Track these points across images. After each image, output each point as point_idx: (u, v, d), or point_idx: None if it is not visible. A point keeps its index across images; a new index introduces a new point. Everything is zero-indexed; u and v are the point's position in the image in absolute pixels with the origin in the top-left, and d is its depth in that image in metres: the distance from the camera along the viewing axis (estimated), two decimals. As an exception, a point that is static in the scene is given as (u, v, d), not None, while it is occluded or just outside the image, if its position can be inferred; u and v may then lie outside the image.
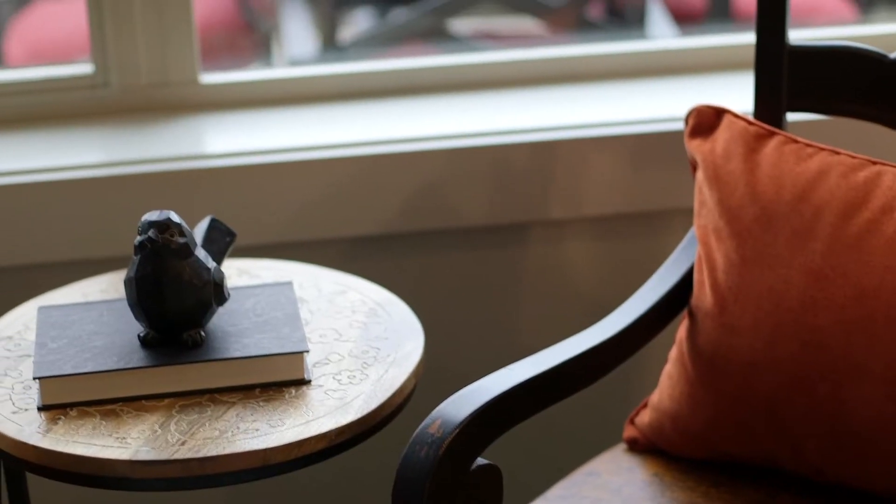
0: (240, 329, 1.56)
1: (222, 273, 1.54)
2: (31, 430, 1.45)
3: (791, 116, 1.71)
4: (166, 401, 1.49)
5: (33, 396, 1.51)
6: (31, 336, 1.62)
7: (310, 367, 1.54)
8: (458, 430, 1.40)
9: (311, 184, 1.96)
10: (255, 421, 1.45)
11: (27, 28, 3.54)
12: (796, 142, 1.60)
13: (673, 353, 1.66)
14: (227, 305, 1.59)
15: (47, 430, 1.45)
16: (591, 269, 2.08)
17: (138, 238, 1.48)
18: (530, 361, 1.54)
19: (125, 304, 1.57)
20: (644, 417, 1.69)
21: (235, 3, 3.47)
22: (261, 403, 1.49)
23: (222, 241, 1.62)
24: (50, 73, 2.09)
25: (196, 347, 1.52)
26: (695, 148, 1.65)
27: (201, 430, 1.44)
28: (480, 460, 1.43)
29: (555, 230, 2.05)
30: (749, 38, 2.07)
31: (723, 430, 1.60)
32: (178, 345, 1.52)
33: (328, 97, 2.11)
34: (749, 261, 1.56)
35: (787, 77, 1.67)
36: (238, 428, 1.44)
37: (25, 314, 1.68)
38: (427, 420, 1.42)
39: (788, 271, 1.53)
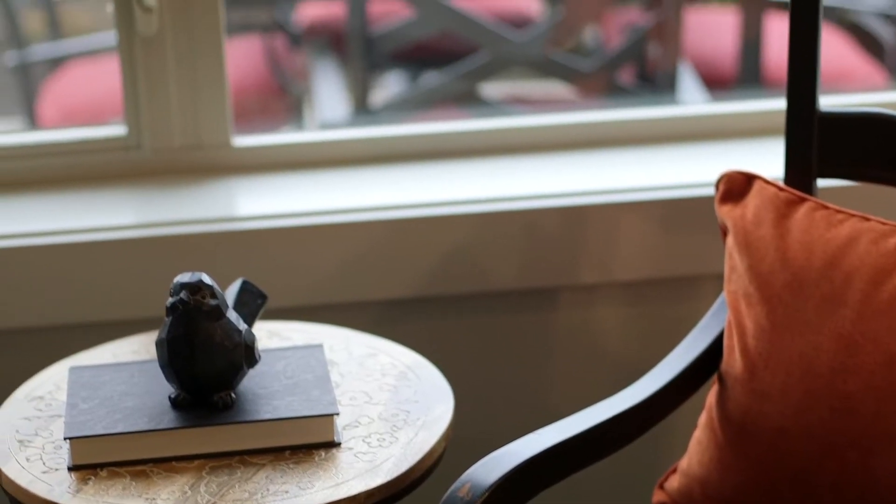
0: (270, 391, 1.56)
1: (253, 335, 1.54)
2: (61, 489, 1.45)
3: (821, 182, 1.71)
4: (196, 462, 1.50)
5: (64, 456, 1.51)
6: (63, 396, 1.63)
7: (340, 429, 1.55)
8: (487, 494, 1.40)
9: (342, 247, 1.97)
10: (284, 483, 1.45)
11: (61, 89, 3.57)
12: (826, 208, 1.60)
13: (702, 418, 1.66)
14: (257, 367, 1.60)
15: (77, 490, 1.45)
16: (621, 334, 2.08)
17: (170, 300, 1.49)
18: (560, 426, 1.54)
19: (156, 365, 1.58)
20: (673, 482, 1.68)
21: (268, 66, 3.50)
22: (291, 466, 1.49)
23: (254, 304, 1.63)
24: (83, 135, 2.11)
25: (226, 409, 1.52)
26: (725, 213, 1.66)
27: (231, 491, 1.44)
28: (510, 524, 1.42)
29: (585, 295, 2.05)
30: (780, 103, 2.08)
31: (752, 496, 1.59)
32: (208, 406, 1.52)
33: (360, 160, 2.12)
34: (779, 326, 1.56)
35: (818, 143, 1.67)
36: (268, 490, 1.44)
37: (57, 374, 1.69)
38: (457, 483, 1.41)
39: (818, 337, 1.53)
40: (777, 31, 3.30)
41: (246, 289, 1.63)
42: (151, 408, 1.53)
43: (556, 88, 3.17)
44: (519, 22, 3.87)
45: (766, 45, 3.14)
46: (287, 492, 1.44)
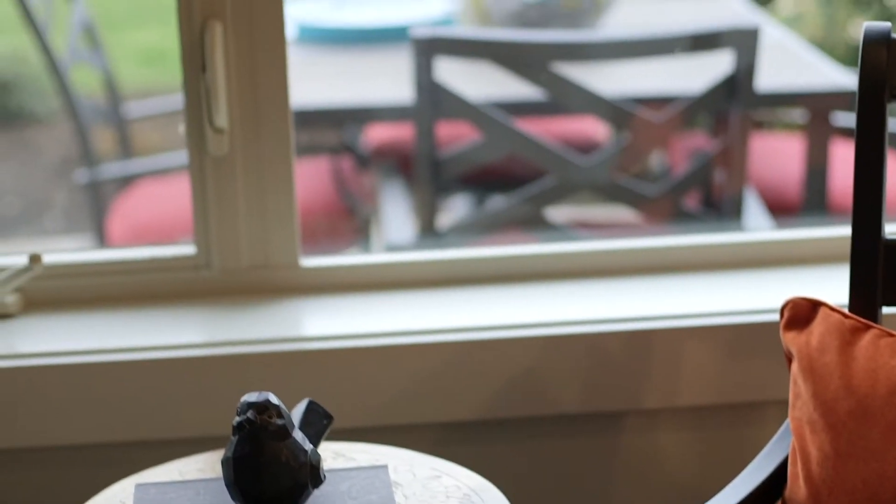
0: (334, 511, 1.57)
1: (319, 455, 1.55)
2: None
3: (886, 310, 1.71)
4: (259, 581, 1.50)
5: (128, 573, 1.52)
6: (129, 513, 1.64)
7: (402, 551, 1.55)
8: None
9: (408, 368, 1.98)
10: None
11: (130, 207, 3.62)
12: (892, 335, 1.60)
13: (767, 546, 1.65)
14: (322, 488, 1.60)
15: None
16: (685, 460, 2.07)
17: (237, 419, 1.50)
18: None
19: (222, 483, 1.59)
20: None
21: (336, 187, 3.54)
22: (353, 586, 1.49)
23: (319, 424, 1.64)
24: (153, 254, 2.14)
25: (291, 528, 1.53)
26: (790, 340, 1.66)
27: None
28: None
29: (649, 419, 2.05)
30: (845, 230, 2.08)
31: None
32: (272, 525, 1.53)
33: (425, 283, 2.14)
34: (843, 454, 1.55)
35: (883, 271, 1.67)
36: None
37: (123, 491, 1.70)
38: None
39: (883, 465, 1.52)
40: (842, 157, 3.31)
41: (312, 409, 1.64)
42: (216, 526, 1.54)
43: (621, 213, 3.19)
44: (585, 146, 3.91)
45: (831, 172, 3.15)
46: None
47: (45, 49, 3.46)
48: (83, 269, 2.12)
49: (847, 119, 3.25)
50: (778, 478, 1.65)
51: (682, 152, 3.67)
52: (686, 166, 2.96)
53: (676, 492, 2.06)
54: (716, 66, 2.85)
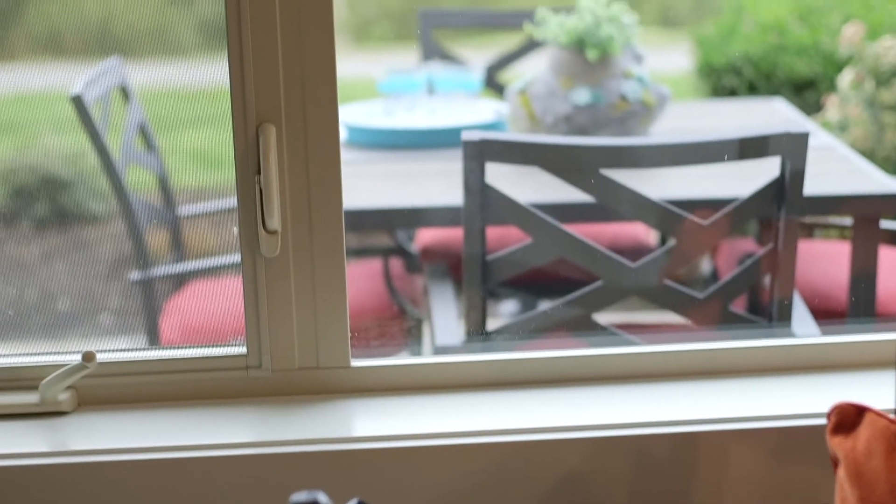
0: None
1: (366, 554, 1.56)
2: None
3: (934, 416, 1.71)
4: None
5: None
6: None
7: None
8: None
9: (457, 469, 1.99)
10: None
11: (182, 307, 3.65)
12: (939, 441, 1.60)
13: None
14: (368, 587, 1.61)
15: None
16: (732, 564, 2.06)
17: (286, 517, 1.52)
18: None
19: (270, 581, 1.60)
20: None
21: (386, 289, 3.57)
22: None
23: (367, 523, 1.65)
24: (205, 353, 2.17)
25: None
26: (836, 445, 1.66)
27: None
28: None
29: (695, 523, 2.05)
30: (892, 335, 2.09)
31: None
32: None
33: (474, 385, 2.16)
34: (891, 560, 1.55)
35: (929, 377, 1.68)
36: None
37: (172, 589, 1.71)
38: None
39: (931, 572, 1.52)
40: (889, 262, 3.32)
41: (360, 508, 1.65)
42: None
43: (669, 316, 3.20)
44: (634, 250, 3.92)
45: (878, 277, 3.15)
46: None
47: (101, 149, 3.52)
48: (136, 367, 2.15)
49: (895, 225, 3.26)
50: (825, 583, 1.65)
51: (730, 256, 3.69)
52: (734, 270, 2.97)
53: None
54: (765, 171, 2.87)
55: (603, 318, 2.98)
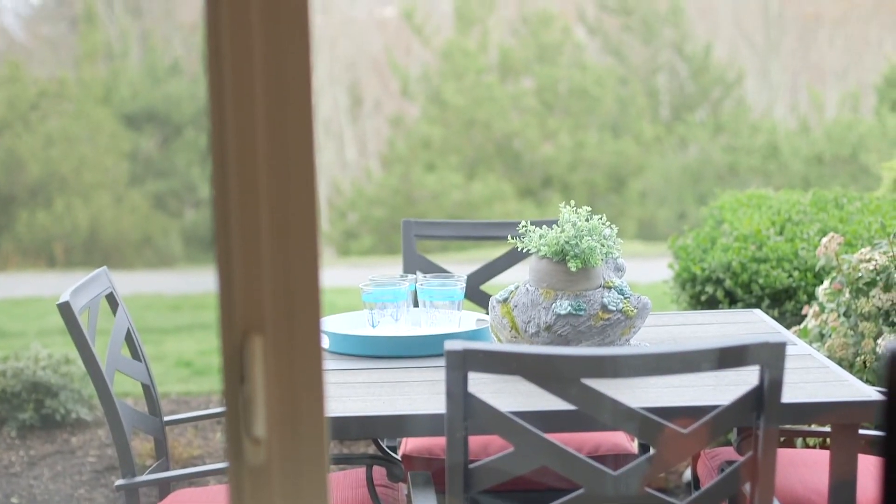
0: None
1: None
2: None
3: None
4: None
5: None
6: None
7: None
8: None
9: None
10: None
11: (167, 516, 3.65)
12: None
13: None
14: None
15: None
16: None
17: None
18: None
19: None
20: None
21: (371, 499, 3.57)
22: None
23: None
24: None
25: None
26: None
27: None
28: None
29: None
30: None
31: None
32: None
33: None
34: None
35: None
36: None
37: None
38: None
39: None
40: (869, 469, 3.34)
41: None
42: None
43: (651, 524, 3.21)
44: (615, 458, 3.95)
45: (858, 484, 3.18)
46: None
47: (88, 357, 3.56)
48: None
49: (873, 432, 3.29)
50: None
51: (711, 464, 3.71)
52: (714, 478, 3.00)
53: None
54: (744, 380, 2.91)
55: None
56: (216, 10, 1.97)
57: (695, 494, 2.93)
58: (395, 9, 17.74)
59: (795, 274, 5.42)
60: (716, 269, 5.51)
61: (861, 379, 4.21)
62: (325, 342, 3.76)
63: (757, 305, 5.41)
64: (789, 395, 3.03)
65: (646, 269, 10.00)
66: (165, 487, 3.86)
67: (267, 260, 2.10)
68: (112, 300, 3.93)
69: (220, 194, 2.11)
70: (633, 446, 4.08)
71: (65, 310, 3.52)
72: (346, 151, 17.49)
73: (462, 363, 2.80)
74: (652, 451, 2.85)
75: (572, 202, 3.78)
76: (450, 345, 2.79)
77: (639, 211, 16.04)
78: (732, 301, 5.49)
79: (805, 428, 3.95)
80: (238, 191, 2.09)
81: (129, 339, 3.92)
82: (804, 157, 15.45)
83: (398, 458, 3.81)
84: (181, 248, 14.77)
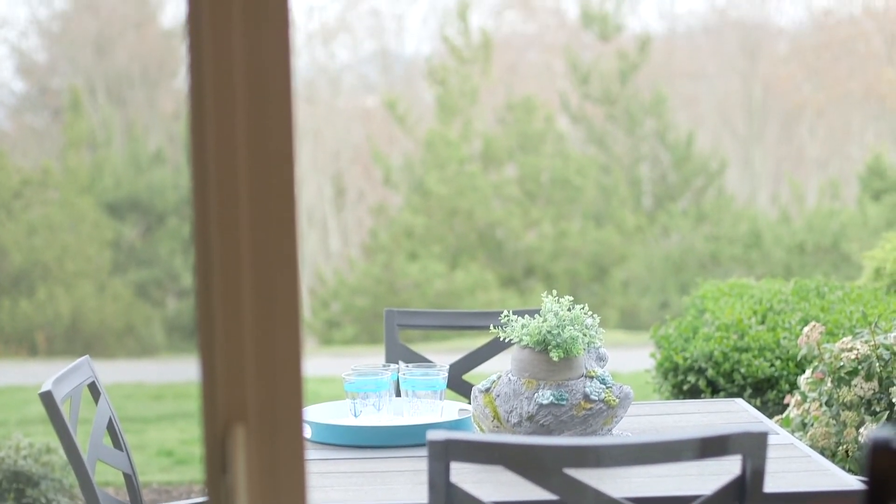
0: None
1: None
2: None
3: None
4: None
5: None
6: None
7: None
8: None
9: None
10: None
11: None
12: None
13: None
14: None
15: None
16: None
17: None
18: None
19: None
20: None
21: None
22: None
23: None
24: None
25: None
26: None
27: None
28: None
29: None
30: None
31: None
32: None
33: None
34: None
35: None
36: None
37: None
38: None
39: None
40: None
41: None
42: None
43: None
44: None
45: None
46: None
47: (70, 446, 3.55)
48: None
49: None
50: None
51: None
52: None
53: None
54: (726, 469, 2.91)
55: None
56: (200, 100, 1.99)
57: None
58: (378, 98, 17.87)
59: (777, 363, 5.43)
60: (698, 359, 5.52)
61: (844, 468, 4.21)
62: (308, 432, 3.75)
63: (739, 394, 5.42)
64: (772, 484, 3.03)
65: (628, 359, 10.01)
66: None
67: (250, 349, 2.10)
68: (94, 389, 3.92)
69: (203, 284, 2.12)
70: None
71: (47, 399, 3.51)
72: (330, 241, 17.54)
73: (444, 453, 2.79)
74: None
75: (554, 291, 3.79)
76: (432, 435, 2.79)
77: (621, 300, 16.08)
78: (715, 390, 5.50)
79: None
80: (221, 280, 2.10)
81: (111, 428, 3.91)
82: (786, 246, 15.54)
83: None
84: (163, 337, 14.75)
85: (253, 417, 2.11)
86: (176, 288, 15.06)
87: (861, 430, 4.29)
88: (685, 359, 5.56)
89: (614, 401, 3.63)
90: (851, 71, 17.54)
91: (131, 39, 17.20)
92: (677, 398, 5.59)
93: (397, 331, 4.66)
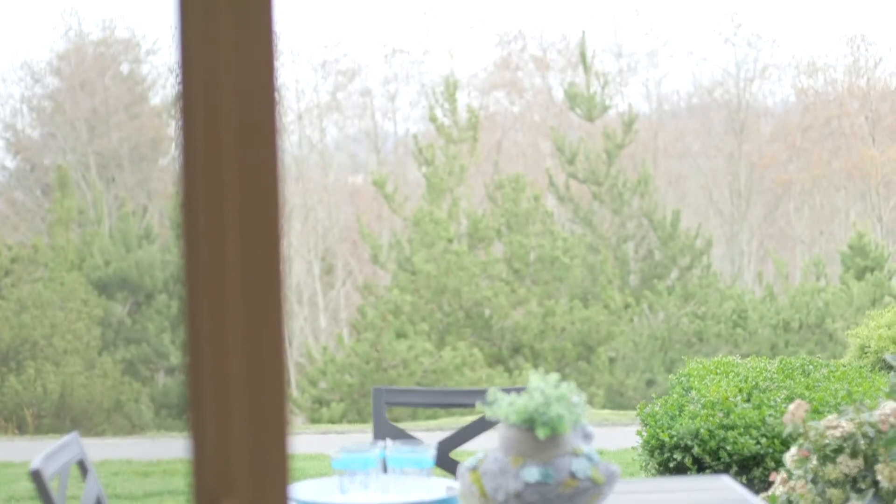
0: None
1: None
2: None
3: None
4: None
5: None
6: None
7: None
8: None
9: None
10: None
11: None
12: None
13: None
14: None
15: None
16: None
17: None
18: None
19: None
20: None
21: None
22: None
23: None
24: None
25: None
26: None
27: None
28: None
29: None
30: None
31: None
32: None
33: None
34: None
35: None
36: None
37: None
38: None
39: None
40: None
41: None
42: None
43: None
44: None
45: None
46: None
47: (59, 525, 3.56)
48: None
49: None
50: None
51: None
52: None
53: None
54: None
55: None
56: (191, 182, 2.03)
57: None
58: (367, 177, 17.97)
59: (763, 441, 5.46)
60: (684, 437, 5.55)
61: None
62: (295, 509, 3.76)
63: (725, 472, 5.44)
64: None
65: (615, 436, 10.03)
66: None
67: (238, 426, 2.14)
68: (82, 466, 3.94)
69: (193, 361, 2.16)
70: None
71: (36, 477, 3.53)
72: (319, 318, 17.56)
73: (431, 529, 2.82)
74: None
75: (541, 369, 3.83)
76: (419, 511, 2.82)
77: (608, 378, 16.10)
78: (700, 468, 5.52)
79: None
80: (211, 357, 2.13)
81: (100, 502, 3.92)
82: (771, 324, 15.59)
83: None
84: (151, 414, 14.74)
85: (240, 492, 2.14)
86: (164, 365, 15.07)
87: (846, 507, 4.32)
88: (671, 436, 5.59)
89: (601, 478, 3.65)
90: (836, 150, 17.70)
91: (122, 119, 17.32)
92: (664, 475, 5.61)
93: (385, 408, 4.69)
